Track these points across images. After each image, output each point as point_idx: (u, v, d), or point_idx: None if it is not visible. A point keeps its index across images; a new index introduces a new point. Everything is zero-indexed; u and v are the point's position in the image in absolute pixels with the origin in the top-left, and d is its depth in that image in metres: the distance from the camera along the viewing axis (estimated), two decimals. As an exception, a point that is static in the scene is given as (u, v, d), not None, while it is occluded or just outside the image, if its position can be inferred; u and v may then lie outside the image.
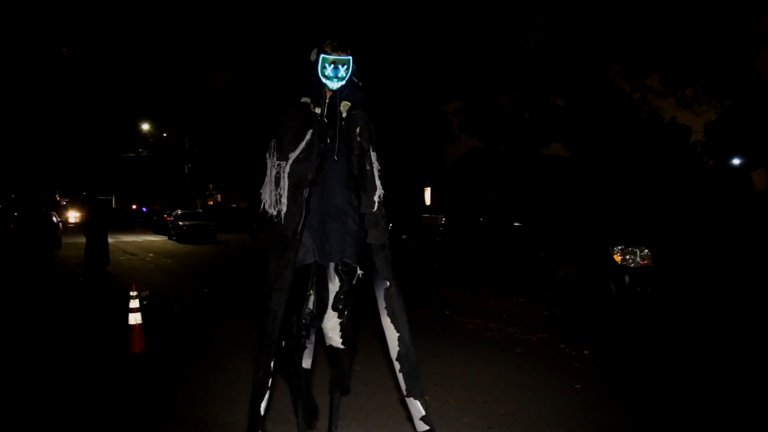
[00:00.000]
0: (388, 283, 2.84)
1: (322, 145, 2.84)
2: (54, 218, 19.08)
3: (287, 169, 2.80)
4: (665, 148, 29.18)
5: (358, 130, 2.94)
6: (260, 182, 2.91)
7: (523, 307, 7.69)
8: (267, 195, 2.89)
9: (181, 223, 23.50)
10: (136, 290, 5.36)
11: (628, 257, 5.55)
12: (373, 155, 2.97)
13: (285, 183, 2.80)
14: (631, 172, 10.15)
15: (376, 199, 2.89)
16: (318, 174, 2.85)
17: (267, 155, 2.93)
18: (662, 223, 6.28)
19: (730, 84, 19.14)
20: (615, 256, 5.56)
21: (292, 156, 2.80)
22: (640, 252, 5.55)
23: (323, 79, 2.95)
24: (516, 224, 6.95)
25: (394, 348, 2.81)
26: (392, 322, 2.81)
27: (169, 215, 26.31)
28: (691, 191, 7.89)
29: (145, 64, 16.85)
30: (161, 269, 12.89)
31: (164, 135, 35.16)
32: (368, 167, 2.91)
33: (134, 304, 5.20)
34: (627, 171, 10.45)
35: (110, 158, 13.43)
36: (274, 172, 2.86)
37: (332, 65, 2.95)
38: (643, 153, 23.63)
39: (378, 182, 2.95)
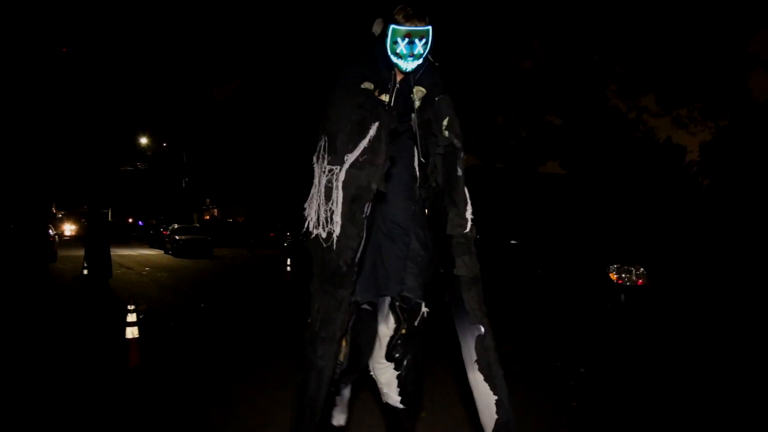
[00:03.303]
0: (483, 330, 2.18)
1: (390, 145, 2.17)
2: (50, 231, 19.04)
3: (342, 176, 2.12)
4: (661, 168, 29.38)
5: (445, 122, 2.27)
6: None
7: (519, 324, 7.70)
8: (313, 210, 2.24)
9: (177, 237, 23.47)
10: (133, 304, 5.36)
11: (623, 276, 5.59)
12: (462, 155, 2.30)
13: (339, 195, 2.13)
14: (627, 191, 10.24)
15: (468, 215, 2.26)
16: (386, 183, 2.16)
17: (314, 159, 2.28)
18: (658, 242, 6.34)
19: (724, 104, 19.40)
20: (611, 275, 5.61)
21: (350, 158, 2.11)
22: (636, 271, 5.59)
23: (393, 58, 2.28)
24: (513, 242, 6.99)
25: (489, 415, 2.20)
26: (487, 380, 2.18)
27: (166, 229, 26.30)
28: (685, 210, 7.96)
29: (143, 77, 16.94)
30: (157, 283, 12.86)
31: (164, 145, 35.17)
32: (459, 172, 2.27)
33: (131, 318, 5.20)
34: (623, 190, 10.54)
35: (110, 171, 13.40)
36: (324, 181, 2.17)
37: (406, 39, 2.27)
38: (638, 172, 23.80)
39: (468, 194, 2.29)
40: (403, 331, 2.35)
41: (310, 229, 2.26)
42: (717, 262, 6.27)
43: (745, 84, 18.66)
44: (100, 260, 11.37)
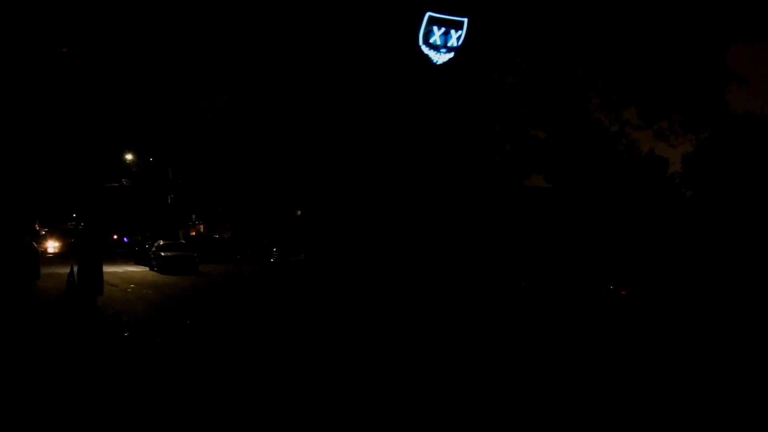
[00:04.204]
0: None
1: None
2: (34, 247, 18.81)
3: None
4: (644, 180, 29.74)
5: None
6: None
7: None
8: None
9: (163, 253, 23.29)
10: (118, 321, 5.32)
11: (606, 287, 5.67)
12: None
13: None
14: (610, 203, 10.39)
15: None
16: None
17: None
18: (640, 254, 6.44)
19: (704, 117, 19.76)
20: (594, 288, 5.69)
21: None
22: (617, 284, 5.68)
23: (425, 49, 2.04)
24: (501, 257, 7.07)
25: None
26: None
27: (151, 246, 26.08)
28: (669, 221, 8.09)
29: (130, 94, 16.92)
30: (143, 300, 12.75)
31: (150, 160, 34.94)
32: None
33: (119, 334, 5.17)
34: (607, 203, 10.70)
35: (101, 188, 13.28)
36: None
37: (442, 29, 1.99)
38: (622, 185, 24.09)
39: None
40: None
41: None
42: (700, 270, 6.37)
43: (723, 97, 19.04)
44: (90, 277, 11.24)
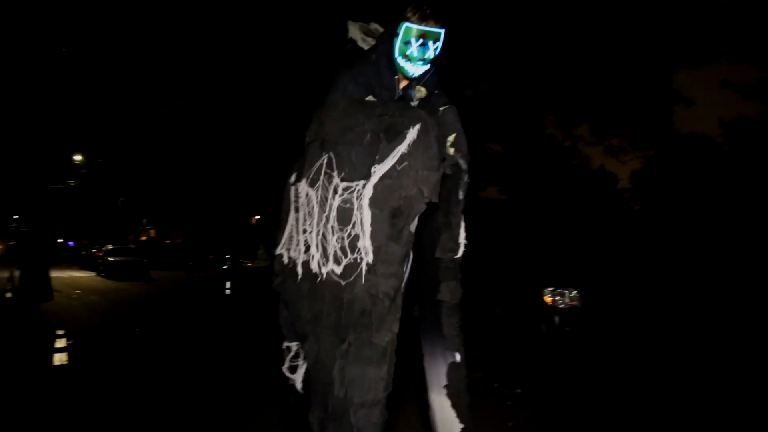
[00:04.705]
0: (459, 358, 2.10)
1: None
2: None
3: (368, 192, 1.80)
4: (595, 194, 30.66)
5: (452, 138, 2.05)
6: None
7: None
8: (313, 245, 1.87)
9: (111, 258, 22.58)
10: (62, 329, 5.13)
11: (557, 299, 5.80)
12: (467, 177, 2.08)
13: (365, 216, 1.79)
14: (562, 216, 10.65)
15: (461, 240, 2.08)
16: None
17: (299, 180, 2.01)
18: (591, 266, 6.62)
19: (651, 135, 20.63)
20: (545, 298, 5.81)
21: (380, 170, 1.80)
22: (569, 293, 5.82)
23: (401, 61, 2.03)
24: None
25: None
26: (454, 407, 2.08)
27: (99, 250, 25.27)
28: (616, 235, 8.35)
29: (81, 92, 16.41)
30: (88, 307, 12.30)
31: (100, 161, 33.85)
32: (461, 196, 2.07)
33: (60, 343, 4.98)
34: (559, 215, 10.95)
35: (49, 189, 12.77)
36: (335, 203, 1.84)
37: (420, 40, 2.02)
38: (574, 198, 24.77)
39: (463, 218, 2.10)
40: None
41: (306, 268, 1.87)
42: (648, 283, 6.60)
43: (669, 117, 19.93)
44: (37, 282, 10.80)
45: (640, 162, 25.57)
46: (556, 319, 5.71)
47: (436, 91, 2.18)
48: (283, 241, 2.08)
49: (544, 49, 17.71)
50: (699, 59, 18.48)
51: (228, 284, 14.41)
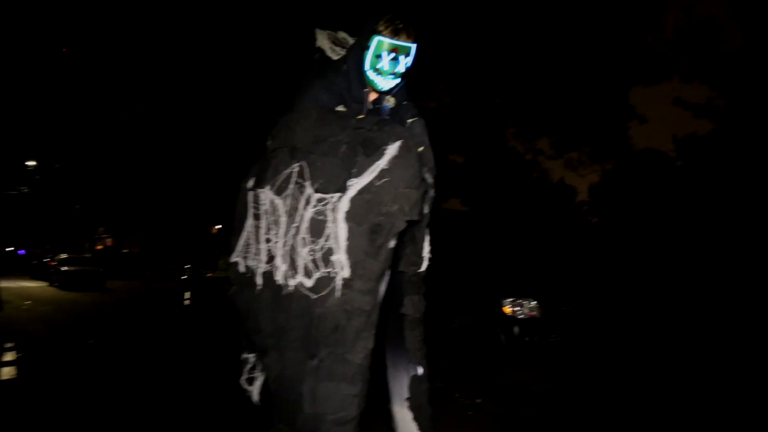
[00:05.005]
0: (421, 371, 2.11)
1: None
2: None
3: (344, 205, 1.75)
4: (554, 206, 31.33)
5: (419, 151, 1.99)
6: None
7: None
8: (279, 256, 1.81)
9: (64, 268, 21.86)
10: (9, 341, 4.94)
11: (517, 309, 5.89)
12: (433, 192, 2.08)
13: (340, 229, 1.73)
14: (522, 228, 10.84)
15: (425, 254, 2.10)
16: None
17: (257, 187, 1.94)
18: (550, 277, 6.75)
19: (609, 150, 21.29)
20: (505, 308, 5.89)
21: (357, 184, 1.76)
22: (528, 304, 5.91)
23: (372, 75, 2.02)
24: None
25: None
26: (416, 420, 2.10)
27: (52, 259, 24.45)
28: (574, 247, 8.54)
29: (37, 97, 15.97)
30: (40, 318, 11.88)
31: (56, 166, 32.82)
32: (426, 210, 2.05)
33: (9, 356, 4.79)
34: (519, 227, 11.15)
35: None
36: (307, 215, 1.78)
37: (392, 54, 2.00)
38: (534, 210, 25.26)
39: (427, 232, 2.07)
40: None
41: (268, 279, 1.80)
42: (606, 293, 6.78)
43: (625, 133, 20.62)
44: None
45: (598, 175, 26.29)
46: (516, 329, 5.79)
47: (405, 102, 2.16)
48: (238, 248, 2.00)
49: (506, 64, 18.11)
50: (653, 78, 19.20)
51: (187, 295, 14.14)
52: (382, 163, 1.76)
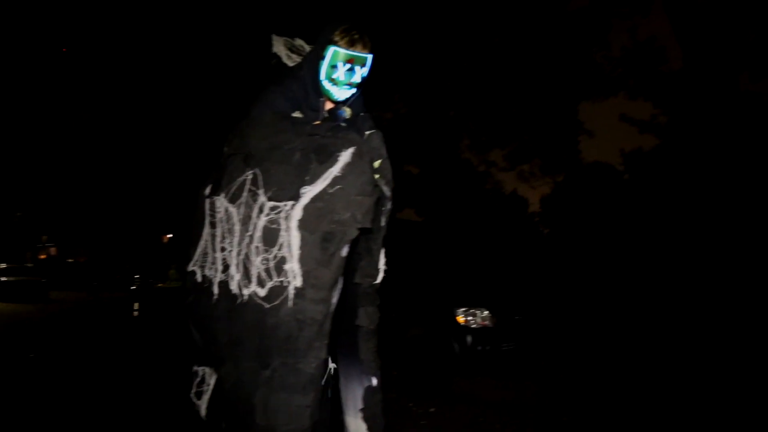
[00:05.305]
0: (375, 383, 2.11)
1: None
2: None
3: (297, 213, 1.73)
4: (507, 217, 31.97)
5: (376, 164, 2.00)
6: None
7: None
8: (234, 264, 1.80)
9: (3, 278, 20.88)
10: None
11: (470, 318, 5.97)
12: (390, 204, 2.09)
13: (293, 237, 1.72)
14: (475, 238, 11.00)
15: (381, 267, 2.11)
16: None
17: (215, 194, 1.91)
18: (502, 286, 6.87)
19: (559, 163, 21.94)
20: (458, 318, 5.96)
21: (310, 191, 1.74)
22: (481, 313, 6.00)
23: (327, 85, 2.03)
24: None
25: None
26: (370, 430, 2.08)
27: (-10, 269, 23.31)
28: (527, 257, 8.73)
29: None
30: (-25, 331, 11.30)
31: None
32: (383, 222, 2.07)
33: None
34: (472, 237, 11.31)
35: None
36: (261, 223, 1.76)
37: (347, 65, 2.01)
38: (487, 221, 25.70)
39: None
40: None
41: (224, 289, 1.79)
42: (557, 302, 6.94)
43: (575, 146, 21.31)
44: None
45: (549, 187, 27.05)
46: (469, 338, 5.85)
47: (362, 114, 2.15)
48: (195, 257, 1.96)
49: (461, 77, 18.44)
50: (600, 94, 19.91)
51: (136, 306, 13.72)
52: (335, 170, 1.74)
